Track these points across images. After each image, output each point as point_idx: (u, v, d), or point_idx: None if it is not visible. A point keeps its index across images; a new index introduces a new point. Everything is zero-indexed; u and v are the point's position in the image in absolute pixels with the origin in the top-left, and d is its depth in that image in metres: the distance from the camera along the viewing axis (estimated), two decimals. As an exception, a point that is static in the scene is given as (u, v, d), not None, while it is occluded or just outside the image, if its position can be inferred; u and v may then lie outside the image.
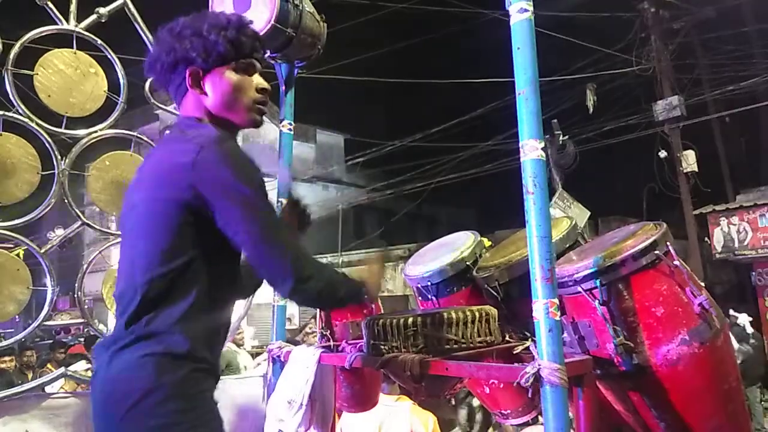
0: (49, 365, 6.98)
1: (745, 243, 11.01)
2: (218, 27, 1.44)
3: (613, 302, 1.47)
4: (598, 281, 1.48)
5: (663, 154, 11.73)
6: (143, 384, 1.26)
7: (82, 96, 2.09)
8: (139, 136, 2.18)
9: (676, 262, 1.47)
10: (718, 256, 10.91)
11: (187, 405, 1.29)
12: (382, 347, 1.77)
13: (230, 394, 2.25)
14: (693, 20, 11.49)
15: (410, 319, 1.75)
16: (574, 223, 1.97)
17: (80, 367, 5.14)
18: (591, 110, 12.53)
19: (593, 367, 1.47)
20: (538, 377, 1.32)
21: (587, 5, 12.00)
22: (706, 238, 11.12)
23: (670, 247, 1.49)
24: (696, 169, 11.25)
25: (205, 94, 1.46)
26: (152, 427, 1.25)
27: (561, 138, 12.33)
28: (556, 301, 1.34)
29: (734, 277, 12.07)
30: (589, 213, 11.59)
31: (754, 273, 11.01)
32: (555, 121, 12.39)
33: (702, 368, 1.44)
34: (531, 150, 1.41)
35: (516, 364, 1.40)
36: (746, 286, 11.63)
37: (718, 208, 11.02)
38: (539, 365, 1.32)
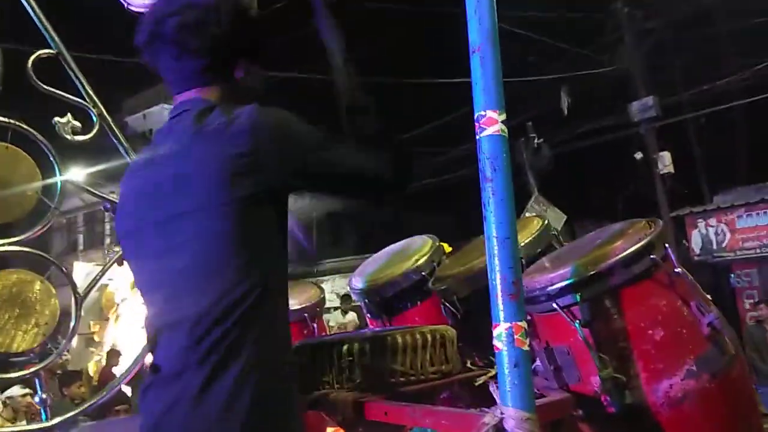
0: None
1: (724, 245, 10.90)
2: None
3: (598, 323, 1.14)
4: (578, 296, 1.14)
5: (639, 155, 11.60)
6: (243, 406, 1.12)
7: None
8: (18, 123, 1.79)
9: (678, 270, 1.14)
10: (696, 258, 10.75)
11: (291, 413, 1.18)
12: (312, 382, 1.42)
13: None
14: (666, 20, 11.38)
15: (345, 346, 1.40)
16: (546, 222, 1.64)
17: (16, 392, 4.66)
18: (566, 112, 12.36)
19: (574, 407, 1.13)
20: (500, 429, 0.97)
21: (560, 6, 11.83)
22: (684, 241, 10.96)
23: (669, 251, 1.16)
24: (672, 171, 11.11)
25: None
26: None
27: (536, 141, 12.15)
28: (524, 324, 1.00)
29: (713, 279, 11.92)
30: (565, 217, 11.40)
31: (732, 275, 10.88)
32: (530, 123, 12.21)
33: (714, 407, 1.11)
34: (489, 124, 1.07)
35: (472, 411, 1.06)
36: (725, 289, 11.48)
37: (695, 209, 10.89)
38: (501, 413, 0.97)
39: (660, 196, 11.21)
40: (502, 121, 1.08)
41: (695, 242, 10.69)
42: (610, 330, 1.13)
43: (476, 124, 1.08)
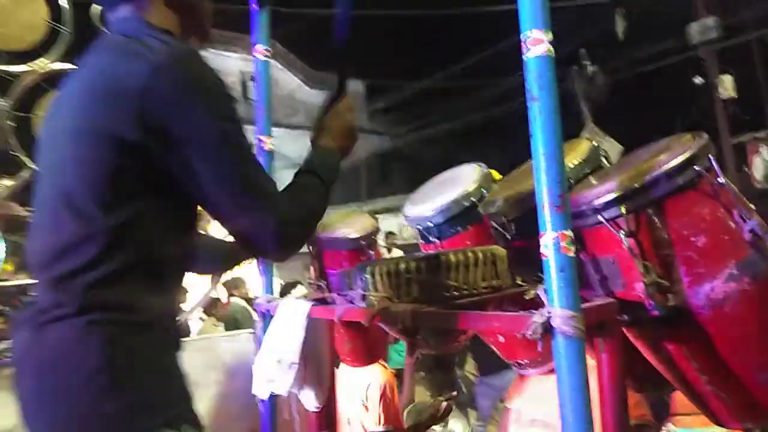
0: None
1: (788, 171, 10.46)
2: None
3: (643, 233, 1.19)
4: (622, 208, 1.20)
5: (699, 80, 11.09)
6: (91, 361, 1.00)
7: (18, 27, 1.83)
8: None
9: (721, 180, 1.18)
10: (758, 185, 10.39)
11: (147, 382, 1.05)
12: (373, 298, 1.54)
13: (218, 352, 2.06)
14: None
15: (402, 265, 1.51)
16: (595, 145, 1.67)
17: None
18: (621, 37, 11.85)
19: (618, 311, 1.21)
20: (548, 327, 1.07)
21: None
22: (745, 168, 10.58)
23: (713, 162, 1.20)
24: (734, 95, 10.61)
25: None
26: (108, 415, 0.99)
27: (589, 68, 11.75)
28: (569, 233, 1.08)
29: (776, 207, 11.53)
30: (622, 148, 11.11)
31: (797, 202, 10.50)
32: (582, 50, 11.79)
33: (754, 308, 1.17)
34: (536, 44, 1.11)
35: (522, 312, 1.14)
36: (789, 217, 11.10)
37: (758, 135, 10.45)
38: (549, 312, 1.06)
39: (720, 122, 10.76)
40: (549, 41, 1.12)
41: (757, 169, 10.29)
42: (653, 239, 1.19)
43: (522, 44, 1.12)
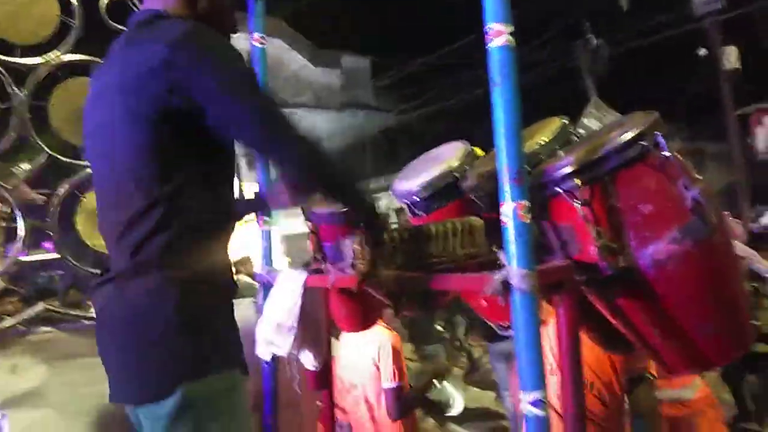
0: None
1: (792, 141, 10.48)
2: None
3: (596, 202, 1.33)
4: (578, 180, 1.33)
5: (703, 52, 11.05)
6: (168, 309, 1.19)
7: (32, 21, 1.97)
8: (100, 61, 2.07)
9: (666, 153, 1.31)
10: (761, 156, 10.43)
11: (213, 328, 1.27)
12: (361, 266, 1.69)
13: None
14: None
15: (387, 236, 1.66)
16: (565, 122, 1.80)
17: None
18: (625, 8, 11.79)
19: (575, 272, 1.36)
20: (507, 285, 1.21)
21: None
22: (749, 139, 10.60)
23: (660, 138, 1.33)
24: (738, 66, 10.57)
25: None
26: (181, 353, 1.20)
27: (593, 41, 11.74)
28: (526, 203, 1.22)
29: (780, 177, 11.58)
30: (625, 121, 11.13)
31: (800, 172, 10.52)
32: (587, 23, 11.76)
33: (695, 268, 1.31)
34: (497, 35, 1.25)
35: (485, 273, 1.29)
36: (793, 187, 11.13)
37: (761, 106, 10.45)
38: (507, 272, 1.21)
39: (724, 94, 10.74)
40: (509, 33, 1.24)
41: (760, 140, 10.33)
42: (605, 207, 1.32)
43: (485, 35, 1.26)
